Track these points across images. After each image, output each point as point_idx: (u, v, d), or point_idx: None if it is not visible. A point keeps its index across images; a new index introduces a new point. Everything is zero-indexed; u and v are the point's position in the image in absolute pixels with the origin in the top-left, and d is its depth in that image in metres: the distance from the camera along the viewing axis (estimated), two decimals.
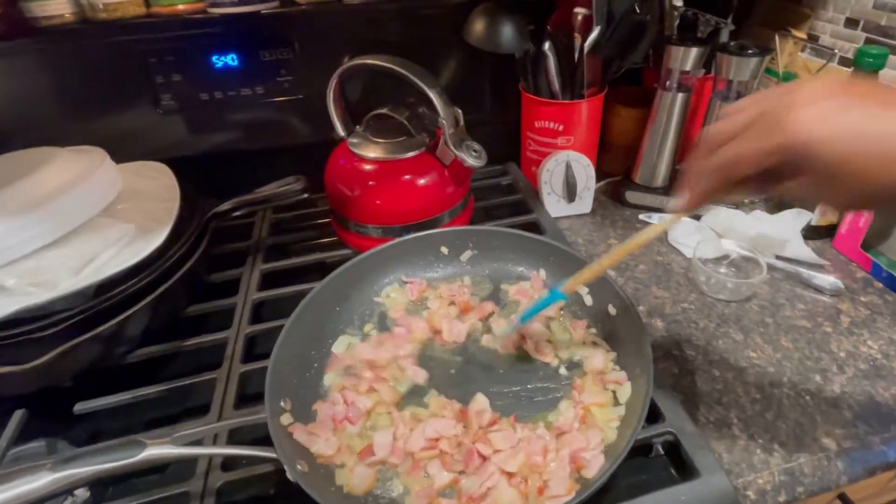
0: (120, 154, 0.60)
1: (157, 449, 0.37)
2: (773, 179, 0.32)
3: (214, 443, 0.45)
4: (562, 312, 0.56)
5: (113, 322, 0.51)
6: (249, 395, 0.52)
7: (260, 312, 0.60)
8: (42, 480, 0.34)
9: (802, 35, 0.73)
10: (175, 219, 0.57)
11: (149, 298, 0.53)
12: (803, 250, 0.65)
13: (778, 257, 0.65)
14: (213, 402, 0.50)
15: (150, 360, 0.55)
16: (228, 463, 0.44)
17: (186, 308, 0.59)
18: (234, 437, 0.46)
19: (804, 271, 0.63)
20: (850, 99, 0.29)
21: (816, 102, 0.29)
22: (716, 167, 0.34)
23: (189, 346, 0.55)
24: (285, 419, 0.43)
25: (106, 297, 0.51)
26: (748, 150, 0.31)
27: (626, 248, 0.44)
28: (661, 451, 0.46)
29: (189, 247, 0.57)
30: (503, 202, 0.78)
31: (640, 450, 0.45)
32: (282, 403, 0.44)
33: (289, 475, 0.38)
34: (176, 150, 0.73)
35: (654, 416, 0.46)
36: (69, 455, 0.36)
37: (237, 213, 0.65)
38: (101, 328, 0.50)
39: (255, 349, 0.57)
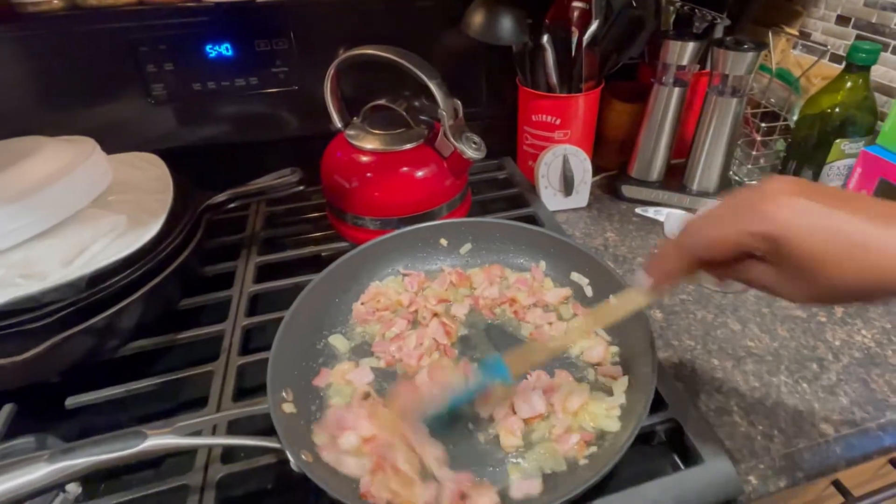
0: (110, 145, 0.58)
1: (159, 439, 0.36)
2: (742, 266, 0.33)
3: (214, 433, 0.44)
4: (566, 301, 0.56)
5: (105, 314, 0.49)
6: (247, 389, 0.51)
7: (255, 306, 0.59)
8: (39, 472, 0.33)
9: (794, 32, 0.75)
10: (168, 210, 0.56)
11: (142, 291, 0.52)
12: None
13: None
14: (210, 395, 0.48)
15: (143, 354, 0.54)
16: (227, 455, 0.43)
17: (180, 301, 0.58)
18: (233, 430, 0.45)
19: None
20: (817, 197, 0.30)
21: (790, 195, 0.30)
22: (688, 246, 0.34)
23: (184, 338, 0.54)
24: (287, 408, 0.43)
25: (98, 288, 0.49)
26: (724, 232, 0.32)
27: (584, 330, 0.46)
28: (664, 439, 0.46)
29: (183, 239, 0.56)
30: (500, 196, 0.78)
31: (642, 438, 0.45)
32: (283, 394, 0.43)
33: (293, 465, 0.38)
34: (168, 141, 0.71)
35: (656, 403, 0.45)
36: (66, 446, 0.35)
37: (231, 206, 0.64)
38: (93, 320, 0.48)
39: (251, 342, 0.56)
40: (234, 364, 0.51)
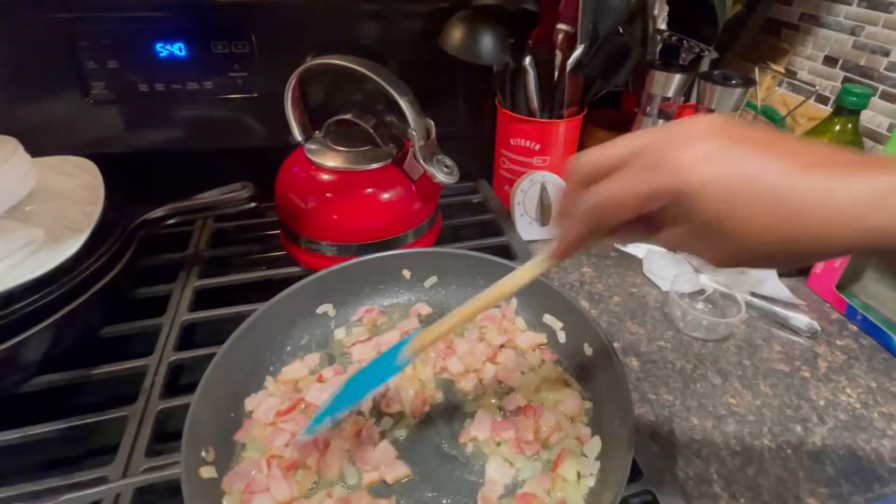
0: (39, 147, 0.52)
1: None
2: (649, 227, 0.28)
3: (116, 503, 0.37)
4: (537, 349, 0.51)
5: (7, 344, 0.43)
6: (170, 434, 0.44)
7: (190, 337, 0.53)
8: None
9: (781, 69, 0.73)
10: (95, 225, 0.50)
11: (53, 318, 0.45)
12: (779, 289, 0.63)
13: (753, 294, 0.63)
14: (122, 444, 0.42)
15: (51, 391, 0.47)
16: None
17: (101, 329, 0.51)
18: (143, 492, 0.39)
19: (780, 311, 0.60)
20: (735, 139, 0.25)
21: (701, 141, 0.25)
22: (589, 209, 0.28)
23: (99, 374, 0.47)
24: (206, 472, 0.36)
25: (2, 313, 0.42)
26: (626, 190, 0.27)
27: (483, 304, 0.37)
28: None
29: (109, 258, 0.50)
30: (473, 222, 0.73)
31: None
32: (203, 453, 0.37)
33: None
34: (107, 146, 0.64)
35: (631, 471, 0.41)
36: None
37: (172, 221, 0.57)
38: None
39: (181, 379, 0.49)
40: (153, 409, 0.44)
